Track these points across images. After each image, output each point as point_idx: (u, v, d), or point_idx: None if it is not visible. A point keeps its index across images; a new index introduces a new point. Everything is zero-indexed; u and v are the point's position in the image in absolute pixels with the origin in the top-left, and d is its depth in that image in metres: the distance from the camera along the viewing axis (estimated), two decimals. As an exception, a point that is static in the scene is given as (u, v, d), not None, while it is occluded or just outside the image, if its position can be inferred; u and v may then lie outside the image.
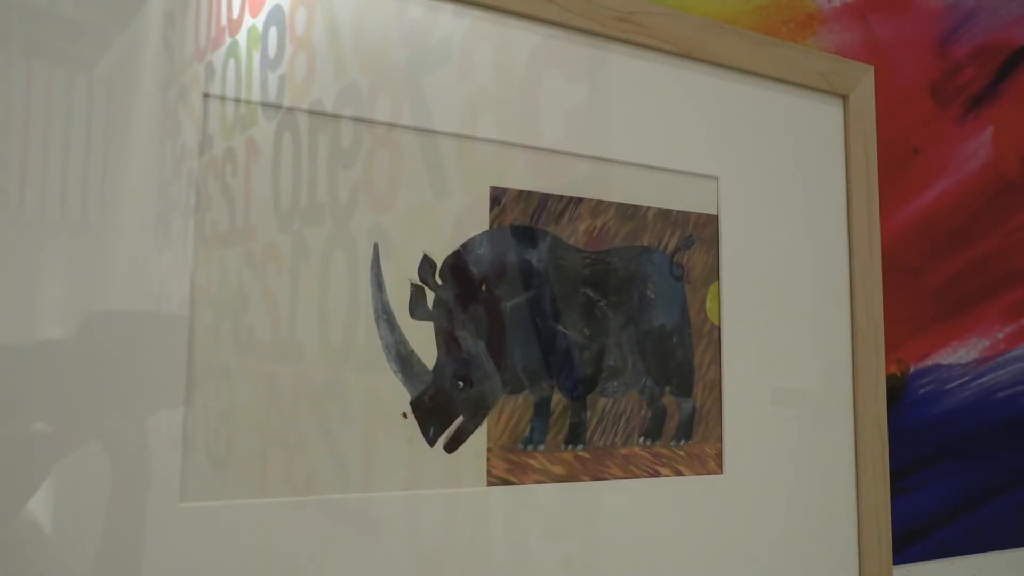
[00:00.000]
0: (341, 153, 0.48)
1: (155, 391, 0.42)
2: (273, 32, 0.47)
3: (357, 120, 0.48)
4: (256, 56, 0.46)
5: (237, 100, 0.45)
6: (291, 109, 0.47)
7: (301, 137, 0.47)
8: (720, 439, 0.60)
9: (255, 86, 0.46)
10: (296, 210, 0.46)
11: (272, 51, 0.47)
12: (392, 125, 0.49)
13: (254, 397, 0.44)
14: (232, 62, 0.46)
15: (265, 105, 0.46)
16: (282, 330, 0.45)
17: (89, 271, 0.41)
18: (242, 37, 0.46)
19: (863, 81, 0.70)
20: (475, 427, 0.51)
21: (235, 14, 0.47)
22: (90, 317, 0.40)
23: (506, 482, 0.51)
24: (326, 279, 0.47)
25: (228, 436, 0.44)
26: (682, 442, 0.58)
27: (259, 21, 0.47)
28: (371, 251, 0.48)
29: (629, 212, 0.58)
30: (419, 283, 0.50)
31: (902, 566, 0.71)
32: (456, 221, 0.51)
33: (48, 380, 0.39)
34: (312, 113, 0.47)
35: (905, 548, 0.72)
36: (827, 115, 0.69)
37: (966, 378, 0.79)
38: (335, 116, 0.48)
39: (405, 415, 0.49)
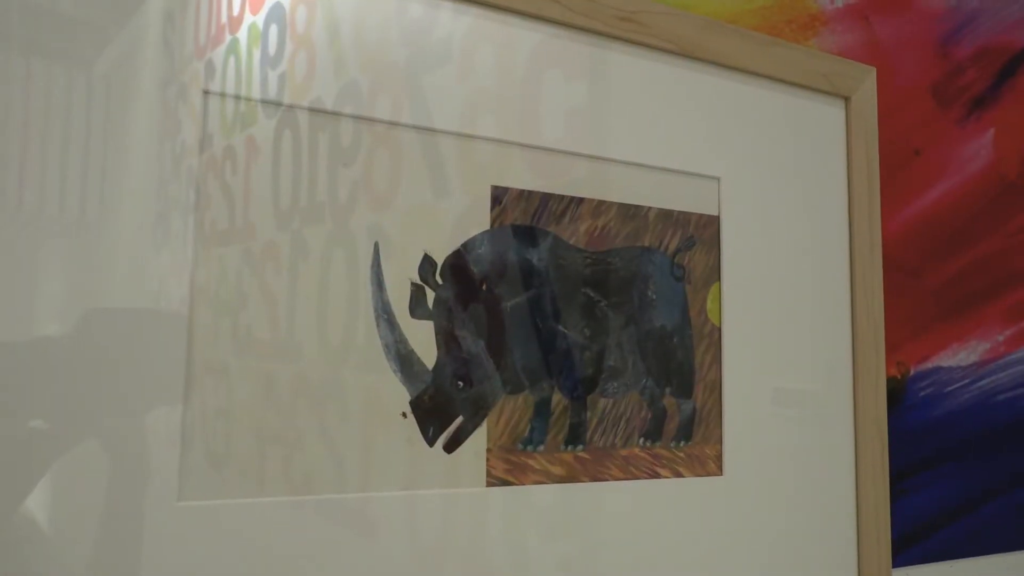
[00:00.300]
0: (341, 152, 0.48)
1: (153, 389, 0.42)
2: (273, 30, 0.47)
3: (357, 118, 0.48)
4: (256, 54, 0.46)
5: (237, 98, 0.45)
6: (291, 107, 0.47)
7: (301, 135, 0.47)
8: (720, 440, 0.60)
9: (255, 84, 0.46)
10: (296, 209, 0.46)
11: (272, 49, 0.47)
12: (392, 124, 0.49)
13: (253, 396, 0.44)
14: (232, 60, 0.45)
15: (265, 103, 0.46)
16: (281, 329, 0.45)
17: (88, 269, 0.41)
18: (242, 35, 0.46)
19: (865, 82, 0.70)
20: (475, 427, 0.50)
21: (235, 12, 0.46)
22: (89, 315, 0.40)
23: (505, 483, 0.51)
24: (325, 278, 0.47)
25: (227, 435, 0.43)
26: (682, 443, 0.58)
27: (259, 19, 0.47)
28: (371, 250, 0.48)
29: (630, 212, 0.58)
30: (419, 282, 0.50)
31: (901, 568, 0.71)
32: (457, 220, 0.51)
33: (46, 378, 0.39)
34: (312, 111, 0.47)
35: (905, 550, 0.72)
36: (829, 116, 0.69)
37: (966, 381, 0.79)
38: (335, 114, 0.48)
39: (404, 415, 0.48)
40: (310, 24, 0.47)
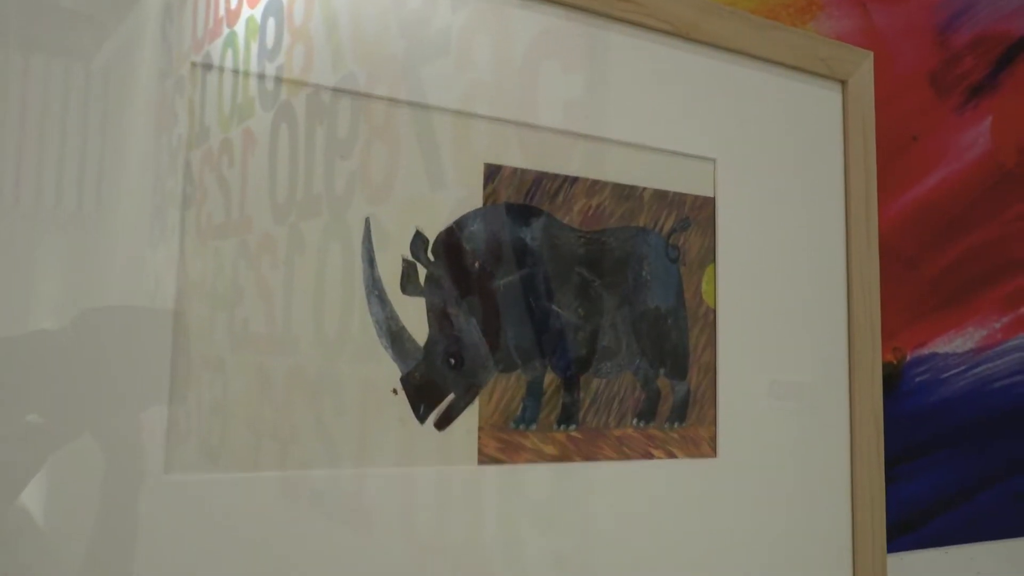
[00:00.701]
0: (338, 143, 0.47)
1: (143, 380, 0.41)
2: (271, 23, 0.46)
3: (354, 94, 0.48)
4: (254, 47, 0.46)
5: (234, 91, 0.45)
6: (288, 100, 0.46)
7: (298, 127, 0.46)
8: (714, 422, 0.59)
9: (252, 77, 0.46)
10: (292, 201, 0.46)
11: (270, 42, 0.46)
12: (387, 100, 0.49)
13: (244, 375, 0.44)
14: (230, 53, 0.45)
15: (262, 95, 0.46)
16: (276, 314, 0.45)
17: (84, 263, 0.40)
18: (240, 28, 0.46)
19: (862, 67, 0.70)
20: (466, 405, 0.50)
21: (233, 5, 0.46)
22: (83, 305, 0.40)
23: (497, 461, 0.51)
24: (322, 263, 0.46)
25: (217, 403, 0.43)
26: (676, 424, 0.58)
27: (257, 12, 0.46)
28: (362, 226, 0.48)
29: (625, 193, 0.57)
30: (411, 259, 0.49)
31: (896, 554, 0.71)
32: (449, 198, 0.51)
33: (39, 367, 0.39)
34: (310, 102, 0.46)
35: (900, 536, 0.72)
36: (825, 100, 0.69)
37: (962, 367, 0.78)
38: (335, 90, 0.47)
39: (395, 391, 0.48)
40: (308, 17, 0.47)
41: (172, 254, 0.42)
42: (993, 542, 0.78)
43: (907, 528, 0.73)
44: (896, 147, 0.77)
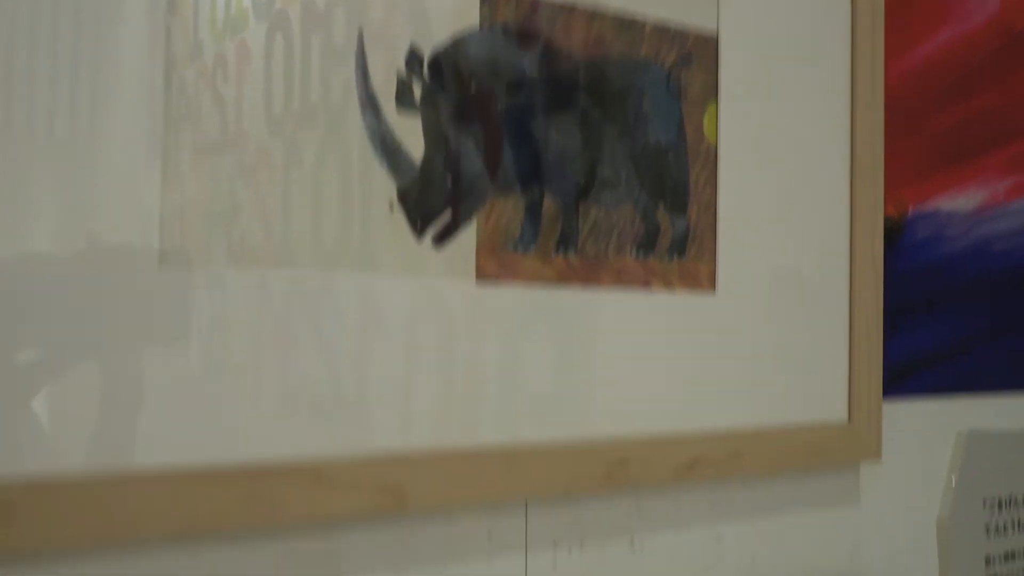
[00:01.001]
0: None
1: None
2: None
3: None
4: None
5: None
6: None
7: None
8: (714, 259, 0.59)
9: None
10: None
11: None
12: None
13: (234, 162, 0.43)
14: None
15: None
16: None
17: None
18: None
19: (872, -89, 0.67)
20: (463, 222, 0.49)
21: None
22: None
23: (495, 280, 0.50)
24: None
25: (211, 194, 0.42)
26: (675, 258, 0.57)
27: None
28: (355, 38, 0.46)
29: (625, 24, 0.56)
30: (406, 75, 0.48)
31: (891, 402, 0.71)
32: (444, 14, 0.49)
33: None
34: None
35: (896, 383, 0.72)
36: (833, -56, 0.66)
37: (965, 226, 0.78)
38: None
39: (391, 207, 0.47)
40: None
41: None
42: (985, 395, 0.79)
43: (903, 376, 0.73)
44: (901, 3, 0.74)
